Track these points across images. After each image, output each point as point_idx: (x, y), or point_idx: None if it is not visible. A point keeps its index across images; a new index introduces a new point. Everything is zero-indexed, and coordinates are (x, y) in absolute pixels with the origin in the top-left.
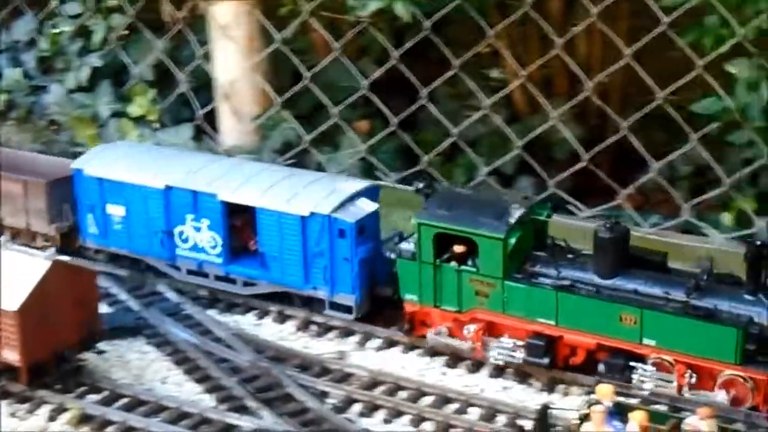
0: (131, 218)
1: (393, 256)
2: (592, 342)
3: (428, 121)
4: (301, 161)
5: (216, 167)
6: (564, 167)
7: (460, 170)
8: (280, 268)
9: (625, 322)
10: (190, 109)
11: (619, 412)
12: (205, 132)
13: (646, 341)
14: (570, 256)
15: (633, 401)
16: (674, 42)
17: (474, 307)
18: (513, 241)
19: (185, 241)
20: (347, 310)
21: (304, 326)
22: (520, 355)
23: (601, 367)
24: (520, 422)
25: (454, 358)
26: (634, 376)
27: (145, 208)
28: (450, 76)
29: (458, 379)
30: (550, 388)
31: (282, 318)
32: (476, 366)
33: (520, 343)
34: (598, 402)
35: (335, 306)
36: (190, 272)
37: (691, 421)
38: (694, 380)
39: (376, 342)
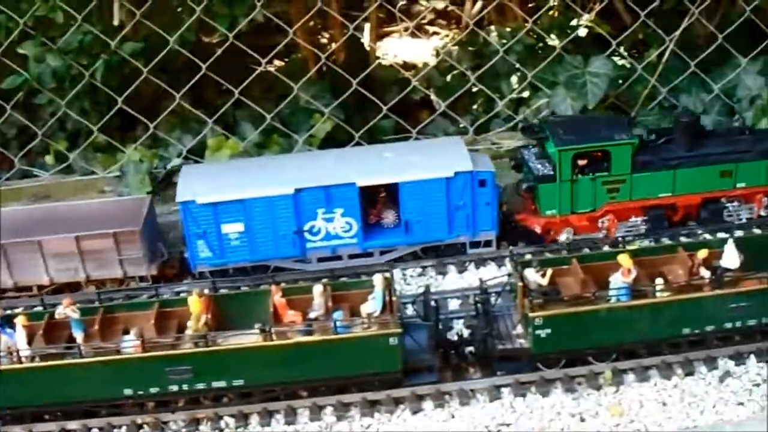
0: (252, 230)
1: (528, 184)
2: (697, 199)
3: None
4: None
5: (327, 161)
6: None
7: None
8: (424, 229)
9: (725, 175)
10: None
11: (8, 322)
12: None
13: (739, 185)
14: (657, 143)
15: None
16: None
17: (606, 203)
18: (637, 142)
19: (316, 233)
20: (487, 244)
21: None
22: (644, 226)
23: (704, 214)
24: None
25: None
26: (725, 213)
27: (271, 216)
28: None
29: None
30: None
31: None
32: None
33: (643, 218)
34: None
35: (475, 245)
36: (321, 260)
37: (59, 310)
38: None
39: None
